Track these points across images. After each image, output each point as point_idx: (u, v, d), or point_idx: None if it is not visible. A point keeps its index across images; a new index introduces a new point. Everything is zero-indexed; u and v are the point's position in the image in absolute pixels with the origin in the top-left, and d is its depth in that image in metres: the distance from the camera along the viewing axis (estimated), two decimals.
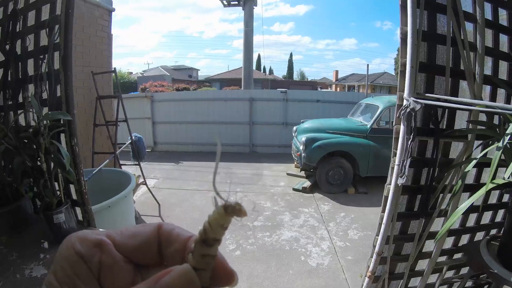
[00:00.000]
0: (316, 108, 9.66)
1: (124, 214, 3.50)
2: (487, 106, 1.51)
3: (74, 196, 2.15)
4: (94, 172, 3.92)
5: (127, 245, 0.32)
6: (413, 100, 1.63)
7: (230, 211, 0.27)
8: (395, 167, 1.80)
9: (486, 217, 2.34)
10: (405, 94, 1.71)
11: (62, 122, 1.99)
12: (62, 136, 2.06)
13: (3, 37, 2.28)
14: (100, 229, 0.32)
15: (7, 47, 2.28)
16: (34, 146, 1.89)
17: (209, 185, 6.59)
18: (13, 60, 2.29)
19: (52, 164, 1.94)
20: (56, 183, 2.02)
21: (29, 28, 2.31)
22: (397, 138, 1.82)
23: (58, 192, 1.99)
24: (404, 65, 1.75)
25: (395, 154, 1.84)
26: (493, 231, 2.31)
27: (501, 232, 1.89)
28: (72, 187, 2.13)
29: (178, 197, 5.94)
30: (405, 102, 1.70)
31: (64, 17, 2.08)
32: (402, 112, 1.69)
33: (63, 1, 2.09)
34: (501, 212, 2.33)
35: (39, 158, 1.89)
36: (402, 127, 1.76)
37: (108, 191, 3.40)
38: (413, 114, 1.65)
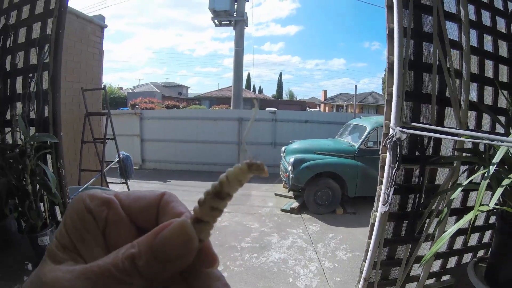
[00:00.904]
0: (304, 128, 9.72)
1: None
2: (472, 136, 1.54)
3: (60, 218, 2.11)
4: (80, 190, 3.86)
5: (131, 207, 0.34)
6: (399, 130, 1.65)
7: (254, 168, 0.28)
8: (381, 195, 1.81)
9: (474, 238, 2.35)
10: (391, 124, 1.74)
11: (49, 143, 1.97)
12: (49, 157, 2.04)
13: None
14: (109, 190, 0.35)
15: None
16: (20, 167, 1.86)
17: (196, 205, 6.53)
18: (2, 76, 2.27)
19: (37, 186, 1.91)
20: (41, 204, 1.99)
21: (19, 45, 2.30)
22: (383, 167, 1.84)
23: (43, 214, 1.96)
24: (390, 94, 1.78)
25: (381, 182, 1.85)
26: (481, 252, 2.32)
27: (489, 253, 1.91)
28: (57, 208, 2.10)
29: None
30: (391, 132, 1.73)
31: (55, 37, 2.08)
32: (388, 141, 1.72)
33: (54, 21, 2.10)
34: (488, 233, 2.35)
35: (24, 179, 1.86)
36: (388, 156, 1.78)
37: None
38: (399, 143, 1.68)
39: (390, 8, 1.81)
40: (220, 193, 0.28)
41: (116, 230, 0.33)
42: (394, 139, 1.68)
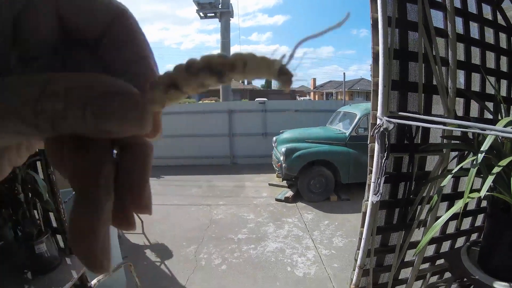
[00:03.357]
0: (295, 117, 9.72)
1: None
2: (459, 125, 1.56)
3: (55, 224, 2.11)
4: (74, 193, 3.84)
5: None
6: (386, 120, 1.67)
7: (282, 73, 0.20)
8: (371, 184, 1.84)
9: (466, 222, 2.39)
10: (378, 113, 1.75)
11: (37, 150, 1.96)
12: (39, 163, 2.03)
13: None
14: None
15: None
16: (11, 175, 1.85)
17: (190, 200, 6.59)
18: None
19: (29, 194, 1.91)
20: (35, 211, 1.99)
21: None
22: (372, 156, 1.86)
23: (38, 221, 1.96)
24: (376, 84, 1.79)
25: (370, 172, 1.88)
26: (474, 236, 2.37)
27: (481, 237, 1.94)
28: (51, 214, 2.10)
29: (162, 213, 5.80)
30: (378, 122, 1.74)
31: None
32: (376, 131, 1.73)
33: None
34: (480, 217, 2.39)
35: (16, 188, 1.86)
36: (376, 146, 1.80)
37: None
38: (387, 133, 1.69)
39: None
40: (222, 71, 0.19)
41: (33, 17, 0.21)
42: (381, 129, 1.69)
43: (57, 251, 2.00)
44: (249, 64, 0.19)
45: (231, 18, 15.76)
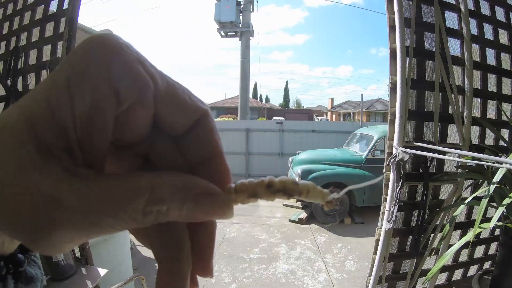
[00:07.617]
0: (311, 138, 9.72)
1: (119, 246, 3.48)
2: (473, 157, 1.56)
3: None
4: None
5: (165, 102, 0.24)
6: (401, 151, 1.68)
7: (330, 203, 0.26)
8: (386, 212, 1.84)
9: (479, 250, 2.35)
10: (395, 143, 1.77)
11: None
12: None
13: (4, 71, 2.33)
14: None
15: (9, 82, 2.32)
16: None
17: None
18: (14, 97, 2.33)
19: None
20: None
21: (30, 66, 2.36)
22: (387, 185, 1.86)
23: None
24: (393, 114, 1.81)
25: (385, 200, 1.88)
26: (487, 264, 2.33)
27: (494, 265, 1.92)
28: None
29: None
30: (394, 151, 1.76)
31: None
32: (392, 160, 1.74)
33: (64, 45, 2.16)
34: (494, 245, 2.35)
35: None
36: (391, 175, 1.81)
37: None
38: (402, 163, 1.71)
39: (392, 28, 1.84)
40: (291, 195, 0.25)
41: (132, 118, 0.23)
42: (397, 159, 1.71)
43: (73, 260, 2.05)
44: (311, 192, 0.25)
45: (251, 37, 15.99)
